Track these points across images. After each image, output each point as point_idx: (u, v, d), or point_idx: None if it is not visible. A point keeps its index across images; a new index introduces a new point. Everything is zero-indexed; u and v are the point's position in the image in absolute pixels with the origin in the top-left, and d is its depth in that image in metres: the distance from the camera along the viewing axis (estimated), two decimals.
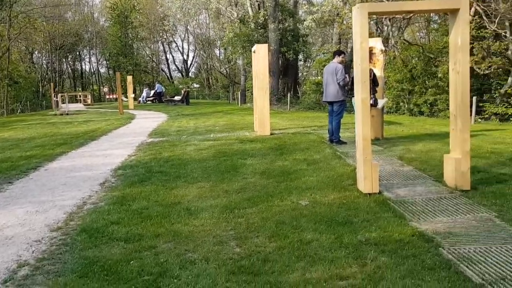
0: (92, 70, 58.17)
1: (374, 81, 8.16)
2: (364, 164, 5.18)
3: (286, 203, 4.95)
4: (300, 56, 35.11)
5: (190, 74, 61.04)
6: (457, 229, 3.87)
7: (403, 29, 22.85)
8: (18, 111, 33.39)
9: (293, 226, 4.12)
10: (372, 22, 22.00)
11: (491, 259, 3.22)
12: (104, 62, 56.54)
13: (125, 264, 3.38)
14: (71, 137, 11.96)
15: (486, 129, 11.49)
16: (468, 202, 4.67)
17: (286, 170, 6.63)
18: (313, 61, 35.46)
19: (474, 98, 14.43)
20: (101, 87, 55.26)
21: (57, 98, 27.11)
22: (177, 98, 31.10)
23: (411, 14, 16.93)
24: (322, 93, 9.05)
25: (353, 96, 8.38)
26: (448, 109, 17.74)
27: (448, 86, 18.56)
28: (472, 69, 16.15)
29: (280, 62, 28.56)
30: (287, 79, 31.63)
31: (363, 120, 5.14)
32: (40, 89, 46.38)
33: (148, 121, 17.10)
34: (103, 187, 6.10)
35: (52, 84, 33.11)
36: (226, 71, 49.91)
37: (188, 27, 52.37)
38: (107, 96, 48.77)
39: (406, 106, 19.17)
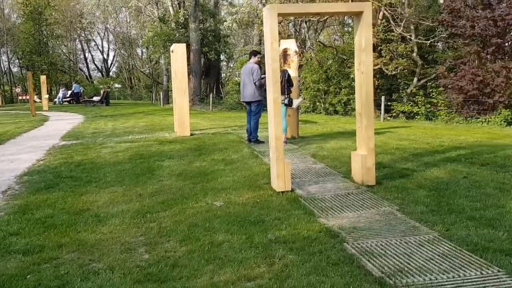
0: (3, 70, 53.96)
1: (288, 81, 8.35)
2: (277, 163, 5.27)
3: (201, 204, 4.90)
4: (222, 57, 35.13)
5: (111, 73, 58.81)
6: (361, 224, 4.05)
7: (319, 31, 23.73)
8: None
9: (205, 228, 4.09)
10: (290, 24, 22.59)
11: (391, 251, 3.40)
12: (17, 61, 52.62)
13: (20, 279, 3.14)
14: None
15: (394, 127, 12.25)
16: (373, 197, 4.92)
17: (204, 171, 6.58)
18: (236, 61, 35.70)
19: (383, 97, 15.32)
20: (13, 88, 51.37)
21: None
22: (96, 98, 29.74)
23: (321, 17, 17.59)
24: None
25: None
26: None
27: None
28: (381, 70, 17.17)
29: (202, 62, 28.39)
30: (209, 80, 31.51)
31: (275, 120, 5.23)
32: None
33: (62, 123, 16.17)
34: (5, 195, 5.65)
35: None
36: (149, 70, 48.72)
37: (108, 25, 50.44)
38: (20, 97, 45.45)
39: (322, 105, 19.92)
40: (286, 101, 8.39)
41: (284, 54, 9.53)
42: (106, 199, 5.25)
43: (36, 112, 21.81)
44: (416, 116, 15.54)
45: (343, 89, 19.05)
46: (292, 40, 10.26)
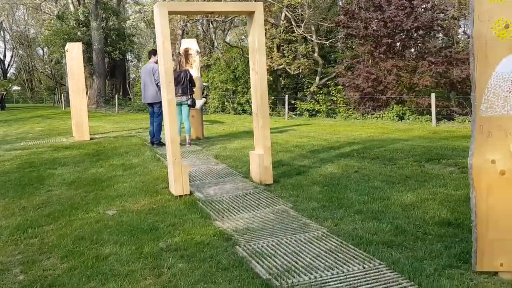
0: None
1: (191, 81, 8.22)
2: (174, 166, 5.13)
3: (91, 215, 4.61)
4: (129, 57, 33.90)
5: (8, 75, 54.16)
6: (255, 225, 4.06)
7: (227, 32, 23.83)
8: None
9: (92, 240, 3.83)
10: (198, 23, 22.37)
11: (281, 251, 3.43)
12: None
13: None
14: None
15: (296, 124, 12.63)
16: (269, 195, 4.98)
17: (99, 178, 6.23)
18: (144, 61, 34.70)
19: (287, 96, 15.75)
20: None
21: None
22: None
23: (225, 16, 17.65)
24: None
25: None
26: (271, 106, 18.95)
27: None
28: (285, 70, 17.65)
29: (106, 62, 27.17)
30: (115, 80, 30.29)
31: (170, 122, 5.08)
32: None
33: None
34: None
35: None
36: (50, 71, 45.63)
37: (3, 23, 46.46)
38: None
39: (231, 105, 20.03)
40: (189, 102, 8.25)
41: (186, 54, 9.38)
42: None
43: None
44: (318, 114, 16.19)
45: (250, 89, 19.31)
46: (193, 39, 10.13)
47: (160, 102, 8.40)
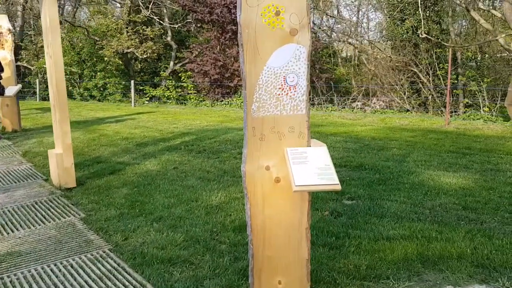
0: None
1: None
2: None
3: None
4: None
5: None
6: (26, 246, 3.32)
7: (75, 10, 21.58)
8: None
9: None
10: None
11: (37, 285, 2.75)
12: None
13: None
14: None
15: (139, 112, 11.82)
16: (63, 203, 4.23)
17: None
18: None
19: (132, 81, 14.74)
20: None
21: None
22: None
23: None
24: None
25: None
26: (118, 93, 17.73)
27: (116, 69, 18.31)
28: (134, 54, 16.56)
29: None
30: None
31: None
32: None
33: None
34: None
35: None
36: None
37: None
38: None
39: (77, 90, 18.27)
40: None
41: None
42: None
43: None
44: (168, 101, 15.52)
45: (98, 73, 17.79)
46: (3, 15, 8.63)
47: None
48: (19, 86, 8.24)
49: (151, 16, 15.82)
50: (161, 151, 6.31)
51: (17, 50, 20.92)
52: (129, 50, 17.03)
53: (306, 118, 2.41)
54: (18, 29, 21.75)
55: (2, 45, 8.26)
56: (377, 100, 13.94)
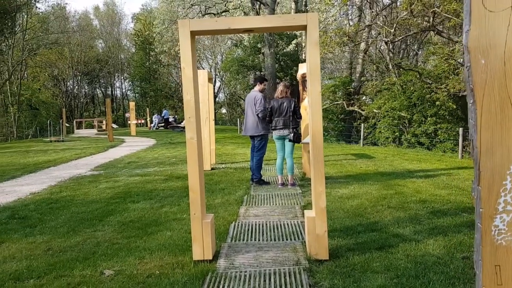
0: (123, 96, 59.87)
1: (295, 112, 6.97)
2: (193, 222, 4.02)
3: (86, 272, 3.85)
4: None
5: (217, 99, 60.98)
6: None
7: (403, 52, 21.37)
8: (29, 137, 33.73)
9: None
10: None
11: None
12: (129, 87, 57.92)
13: None
14: (15, 169, 11.30)
15: (463, 167, 9.90)
16: (300, 282, 3.40)
17: (157, 221, 5.53)
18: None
19: (461, 129, 12.74)
20: (125, 113, 55.98)
21: (62, 124, 27.16)
22: (183, 124, 30.50)
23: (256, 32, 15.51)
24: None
25: (274, 129, 7.22)
26: (449, 141, 15.91)
27: (449, 114, 16.44)
28: None
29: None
30: None
31: (190, 165, 4.01)
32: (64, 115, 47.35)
33: (125, 149, 16.38)
34: None
35: (64, 109, 33.41)
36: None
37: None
38: (129, 122, 49.18)
39: (405, 136, 17.62)
40: (290, 137, 7.01)
41: (304, 80, 8.17)
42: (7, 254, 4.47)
43: (119, 137, 22.84)
44: None
45: (429, 118, 16.67)
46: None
47: (262, 135, 7.39)
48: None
49: None
50: (456, 227, 4.68)
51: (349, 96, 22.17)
52: (465, 93, 15.17)
53: None
54: (357, 75, 23.13)
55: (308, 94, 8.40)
56: None
